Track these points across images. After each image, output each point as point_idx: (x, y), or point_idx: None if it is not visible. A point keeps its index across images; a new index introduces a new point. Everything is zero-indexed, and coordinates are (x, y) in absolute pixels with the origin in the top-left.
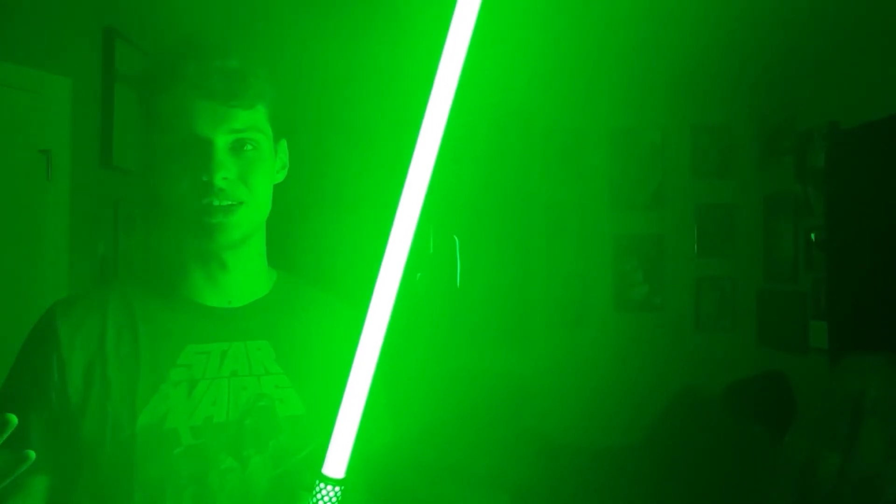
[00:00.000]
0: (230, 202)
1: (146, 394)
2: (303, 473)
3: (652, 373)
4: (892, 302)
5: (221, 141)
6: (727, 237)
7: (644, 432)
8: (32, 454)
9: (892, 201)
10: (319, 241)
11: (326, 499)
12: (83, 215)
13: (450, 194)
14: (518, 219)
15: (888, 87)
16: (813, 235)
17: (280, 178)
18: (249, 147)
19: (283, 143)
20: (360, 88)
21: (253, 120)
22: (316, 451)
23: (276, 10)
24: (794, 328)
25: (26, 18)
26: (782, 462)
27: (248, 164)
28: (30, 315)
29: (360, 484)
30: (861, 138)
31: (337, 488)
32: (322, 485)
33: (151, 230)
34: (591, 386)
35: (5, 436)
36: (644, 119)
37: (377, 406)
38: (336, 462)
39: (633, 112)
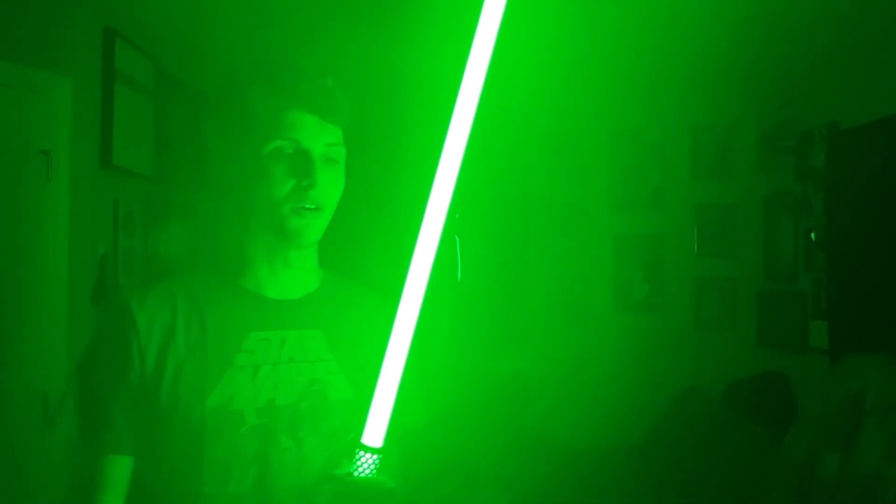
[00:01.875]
0: (317, 207)
1: (214, 377)
2: (353, 453)
3: (652, 373)
4: (892, 302)
5: (318, 152)
6: (727, 237)
7: (644, 432)
8: None
9: (892, 201)
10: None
11: (365, 466)
12: (83, 215)
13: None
14: (518, 219)
15: (888, 87)
16: (813, 235)
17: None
18: (335, 160)
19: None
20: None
21: (339, 136)
22: (348, 453)
23: (273, 9)
24: (794, 328)
25: (26, 18)
26: (782, 462)
27: (333, 175)
28: (30, 315)
29: (396, 462)
30: (861, 138)
31: (375, 457)
32: (361, 453)
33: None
34: (591, 386)
35: None
36: (644, 119)
37: (411, 389)
38: (374, 432)
39: (633, 112)
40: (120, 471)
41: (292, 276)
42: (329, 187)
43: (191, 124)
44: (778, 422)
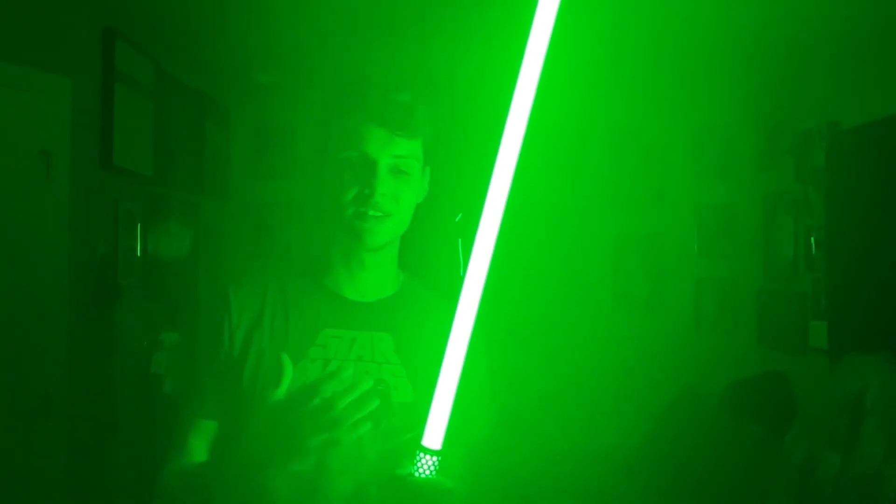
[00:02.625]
0: (381, 213)
1: (289, 365)
2: (407, 453)
3: (652, 373)
4: (892, 302)
5: (384, 163)
6: (727, 237)
7: (644, 432)
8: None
9: (892, 201)
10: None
11: (426, 467)
12: (83, 215)
13: (450, 194)
14: (518, 219)
15: (888, 87)
16: (813, 238)
17: (421, 199)
18: (405, 171)
19: (428, 171)
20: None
21: (411, 148)
22: (420, 435)
23: (273, 10)
24: (794, 328)
25: (26, 18)
26: (782, 462)
27: (401, 185)
28: (30, 315)
29: (459, 457)
30: (861, 138)
31: (435, 458)
32: (421, 454)
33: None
34: (590, 386)
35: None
36: (644, 119)
37: (478, 388)
38: (434, 435)
39: (633, 112)
40: (206, 432)
41: (368, 277)
42: (396, 196)
43: (191, 124)
44: (778, 422)
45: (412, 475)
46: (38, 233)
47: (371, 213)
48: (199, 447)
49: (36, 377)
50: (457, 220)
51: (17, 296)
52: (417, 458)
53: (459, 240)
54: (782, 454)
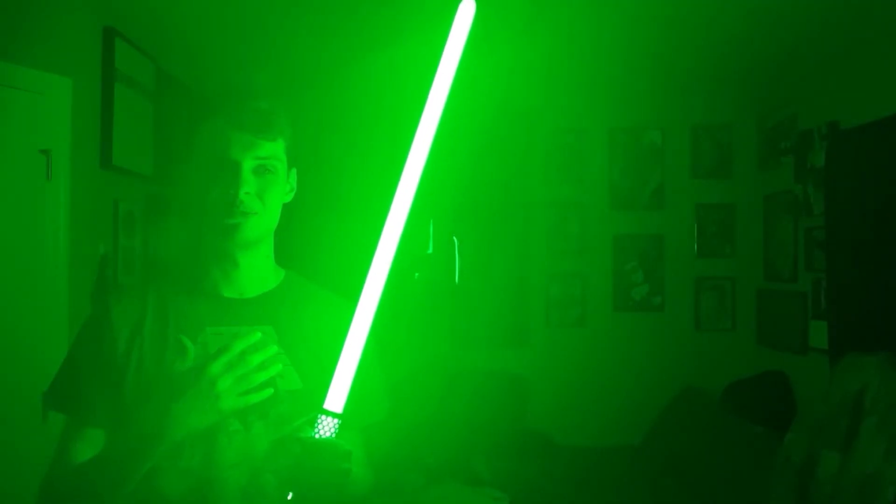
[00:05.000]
0: (247, 212)
1: (171, 367)
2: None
3: (652, 373)
4: (892, 302)
5: (247, 164)
6: (727, 237)
7: (644, 432)
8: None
9: (892, 201)
10: (321, 241)
11: (326, 429)
12: (83, 215)
13: (450, 194)
14: (518, 219)
15: (888, 87)
16: (813, 238)
17: (288, 198)
18: (268, 171)
19: (294, 171)
20: (358, 91)
21: (274, 150)
22: (310, 420)
23: (273, 10)
24: (794, 328)
25: (26, 18)
26: (782, 462)
27: (265, 185)
28: (30, 315)
29: (361, 456)
30: (861, 138)
31: (336, 420)
32: (323, 417)
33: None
34: (591, 386)
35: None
36: (644, 119)
37: (374, 384)
38: (336, 398)
39: (633, 112)
40: (93, 440)
41: (243, 276)
42: (262, 195)
43: (191, 124)
44: (778, 422)
45: (312, 437)
46: (39, 232)
47: (237, 210)
48: (84, 453)
49: (35, 377)
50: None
51: (17, 295)
52: (318, 420)
53: (455, 239)
54: (782, 454)
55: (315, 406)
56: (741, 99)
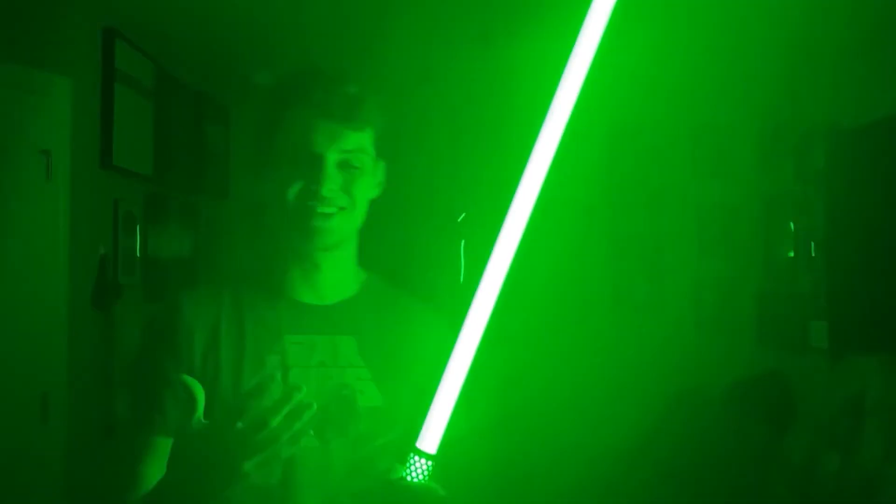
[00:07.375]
0: (331, 210)
1: (248, 375)
2: (379, 460)
3: (652, 373)
4: (892, 302)
5: (332, 157)
6: (727, 237)
7: (644, 432)
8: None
9: (892, 202)
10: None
11: (419, 470)
12: (83, 215)
13: (451, 195)
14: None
15: (888, 87)
16: (813, 239)
17: (376, 194)
18: (354, 165)
19: (382, 164)
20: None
21: (361, 142)
22: (393, 441)
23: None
24: (794, 328)
25: (26, 18)
26: (782, 462)
27: (351, 180)
28: (30, 315)
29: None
30: (861, 138)
31: (429, 462)
32: (416, 457)
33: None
34: (590, 386)
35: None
36: (644, 119)
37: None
38: (430, 438)
39: (634, 112)
40: (162, 450)
41: (325, 280)
42: (348, 190)
43: (191, 124)
44: (778, 422)
45: (403, 479)
46: (38, 233)
47: (320, 209)
48: (155, 467)
49: (35, 377)
50: (459, 220)
51: (17, 296)
52: (410, 460)
53: (462, 241)
54: (782, 454)
55: (396, 425)
56: (741, 99)
